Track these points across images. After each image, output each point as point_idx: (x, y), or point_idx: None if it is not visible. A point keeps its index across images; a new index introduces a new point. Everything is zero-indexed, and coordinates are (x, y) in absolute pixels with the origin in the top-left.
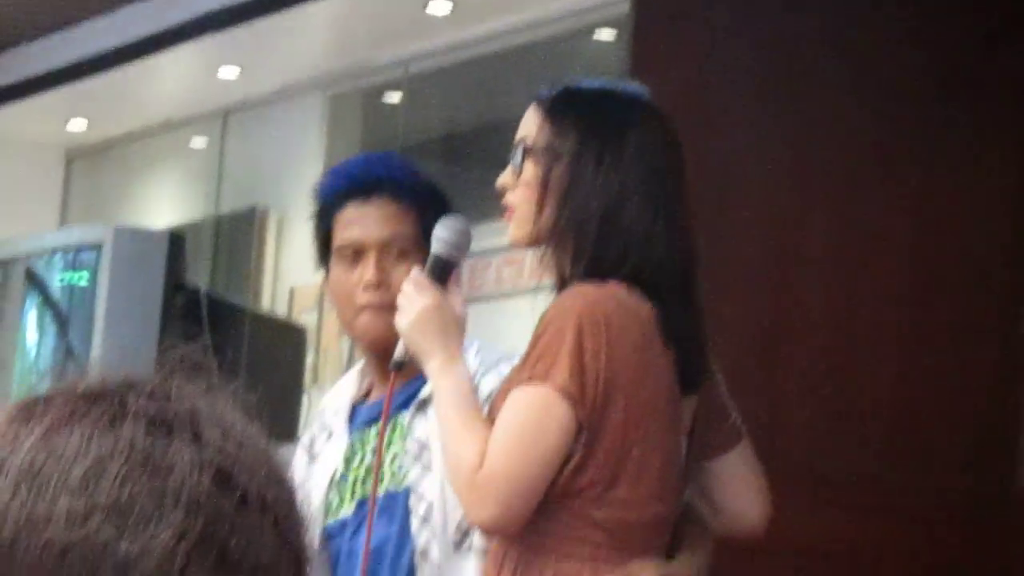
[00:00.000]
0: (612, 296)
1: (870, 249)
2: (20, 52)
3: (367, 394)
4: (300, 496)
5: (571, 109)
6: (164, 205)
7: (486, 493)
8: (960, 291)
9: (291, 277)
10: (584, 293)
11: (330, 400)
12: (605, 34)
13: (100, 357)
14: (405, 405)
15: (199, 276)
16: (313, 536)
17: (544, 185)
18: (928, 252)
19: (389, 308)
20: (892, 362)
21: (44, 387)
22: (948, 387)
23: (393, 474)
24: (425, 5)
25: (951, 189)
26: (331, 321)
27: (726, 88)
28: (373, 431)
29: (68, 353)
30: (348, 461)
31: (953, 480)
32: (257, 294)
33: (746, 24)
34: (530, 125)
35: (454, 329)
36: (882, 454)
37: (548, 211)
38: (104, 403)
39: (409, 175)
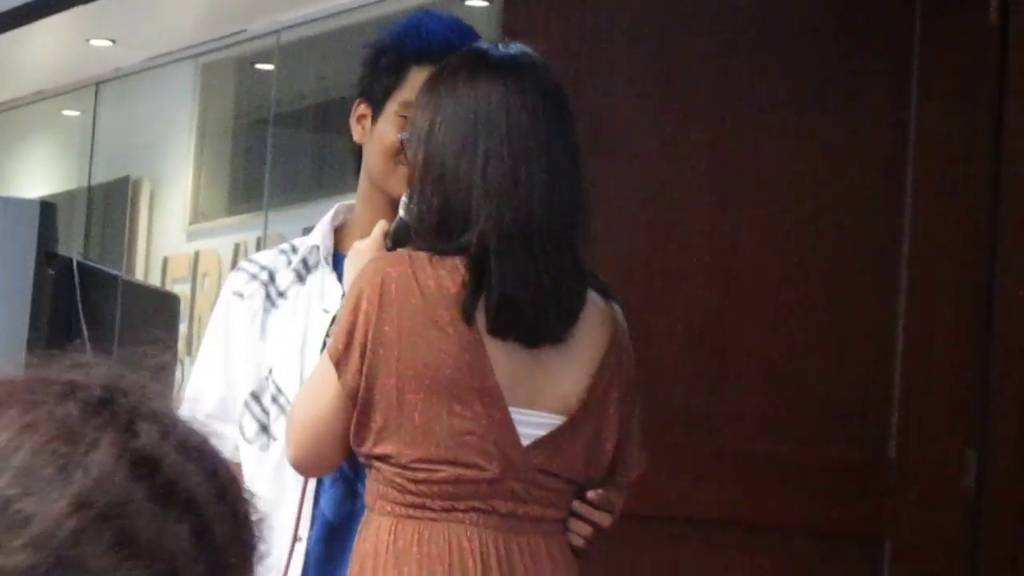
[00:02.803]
0: (401, 262)
1: (749, 194)
2: None
3: (340, 247)
4: (252, 512)
5: (424, 87)
6: (37, 175)
7: (289, 434)
8: (839, 236)
9: (164, 246)
10: (377, 259)
11: (302, 246)
12: (477, 1)
13: None
14: None
15: (72, 246)
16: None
17: (413, 170)
18: (806, 197)
19: None
20: (768, 311)
21: None
22: (826, 341)
23: None
24: None
25: (829, 131)
26: (204, 290)
27: (601, 38)
28: None
29: None
30: None
31: (832, 444)
32: (130, 263)
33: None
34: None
35: None
36: (762, 417)
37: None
38: (55, 386)
39: None
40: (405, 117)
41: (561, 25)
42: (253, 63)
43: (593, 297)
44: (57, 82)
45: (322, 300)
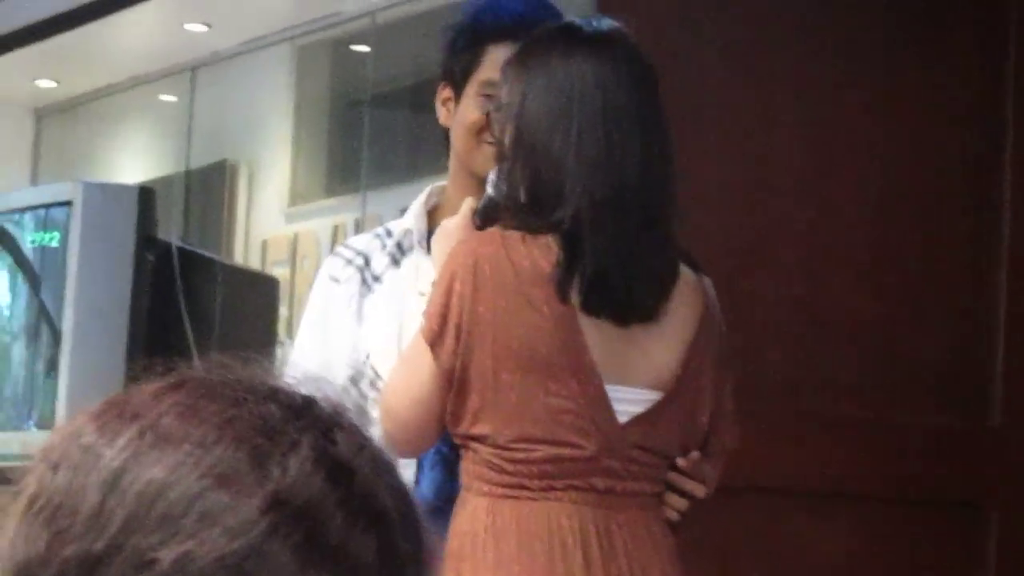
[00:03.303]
0: (494, 241)
1: (841, 159)
2: None
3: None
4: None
5: (513, 61)
6: (135, 161)
7: (384, 416)
8: (936, 197)
9: (262, 229)
10: (468, 239)
11: (395, 229)
12: None
13: (72, 314)
14: None
15: (171, 231)
16: None
17: (504, 145)
18: (900, 158)
19: None
20: (867, 277)
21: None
22: (924, 306)
23: None
24: None
25: (922, 92)
26: (304, 272)
27: (692, 12)
28: None
29: (41, 312)
30: None
31: (928, 412)
32: (229, 247)
33: None
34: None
35: None
36: (859, 384)
37: (506, 172)
38: (257, 388)
39: None
40: (487, 96)
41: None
42: (349, 44)
43: (684, 271)
44: (153, 67)
45: (417, 283)
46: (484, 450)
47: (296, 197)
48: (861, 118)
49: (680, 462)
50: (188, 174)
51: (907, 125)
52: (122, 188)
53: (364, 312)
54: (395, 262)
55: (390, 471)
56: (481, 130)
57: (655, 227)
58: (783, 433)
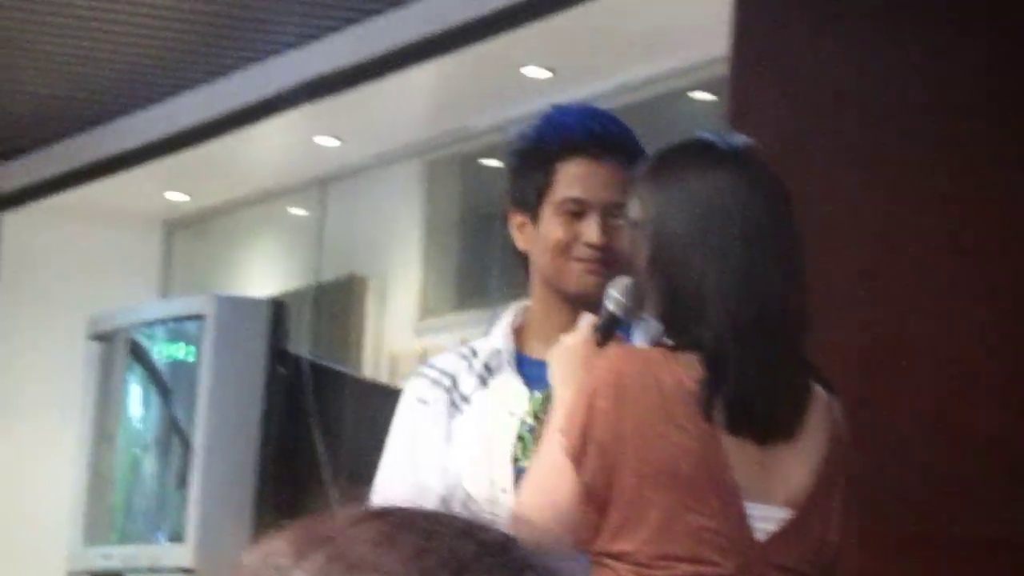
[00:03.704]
0: (638, 359)
1: (969, 272)
2: (118, 125)
3: (521, 349)
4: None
5: (650, 177)
6: (264, 274)
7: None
8: None
9: (392, 343)
10: (612, 354)
11: (480, 349)
12: (702, 95)
13: (204, 426)
14: None
15: (300, 344)
16: None
17: (640, 261)
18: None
19: (606, 267)
20: (997, 391)
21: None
22: None
23: None
24: (522, 68)
25: None
26: None
27: (824, 127)
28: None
29: (172, 424)
30: (537, 414)
31: None
32: (358, 360)
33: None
34: (630, 203)
35: (582, 375)
36: (987, 501)
37: (643, 287)
38: (457, 521)
39: (638, 143)
40: (570, 213)
41: (785, 115)
42: (478, 159)
43: (816, 390)
44: (283, 181)
45: (507, 404)
46: (623, 568)
47: (426, 311)
48: (993, 224)
49: None
50: (318, 288)
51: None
52: (254, 302)
53: (453, 433)
54: (483, 382)
55: None
56: (566, 248)
57: (792, 346)
58: (911, 554)
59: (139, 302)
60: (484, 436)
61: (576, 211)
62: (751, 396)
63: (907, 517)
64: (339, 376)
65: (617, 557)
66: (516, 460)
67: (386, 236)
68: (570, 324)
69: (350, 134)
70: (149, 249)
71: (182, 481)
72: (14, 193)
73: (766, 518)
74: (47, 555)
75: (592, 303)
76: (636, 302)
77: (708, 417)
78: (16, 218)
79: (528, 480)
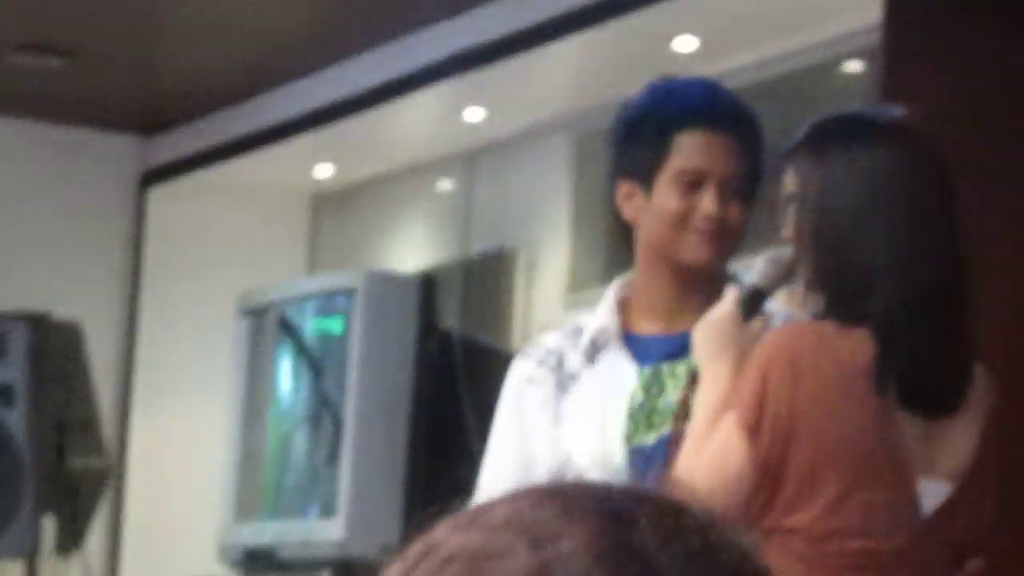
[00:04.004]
0: (811, 333)
1: None
2: (265, 99)
3: (626, 324)
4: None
5: (807, 147)
6: (411, 249)
7: None
8: None
9: (541, 316)
10: (784, 329)
11: (586, 326)
12: (853, 66)
13: (355, 402)
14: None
15: (449, 319)
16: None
17: (800, 235)
18: None
19: (720, 239)
20: None
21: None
22: None
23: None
24: (671, 41)
25: None
26: None
27: (981, 100)
28: (681, 366)
29: (323, 400)
30: (647, 390)
31: None
32: (507, 335)
33: (1002, 51)
34: (786, 178)
35: (736, 349)
36: None
37: (802, 261)
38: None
39: (753, 116)
40: (687, 183)
41: (941, 87)
42: None
43: (976, 365)
44: (430, 155)
45: (616, 381)
46: (795, 542)
47: (575, 284)
48: None
49: (971, 565)
50: (466, 262)
51: None
52: (404, 277)
53: (562, 412)
54: (590, 360)
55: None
56: (682, 219)
57: (957, 320)
58: None
59: (287, 277)
60: (596, 414)
61: (693, 182)
62: (922, 370)
63: None
64: (489, 351)
65: (789, 532)
66: (628, 438)
67: (534, 210)
68: (677, 298)
69: (498, 107)
70: (296, 224)
71: (333, 457)
72: (160, 168)
73: (933, 492)
74: (198, 532)
75: (703, 276)
76: (783, 275)
77: (882, 391)
78: (162, 193)
79: (696, 457)
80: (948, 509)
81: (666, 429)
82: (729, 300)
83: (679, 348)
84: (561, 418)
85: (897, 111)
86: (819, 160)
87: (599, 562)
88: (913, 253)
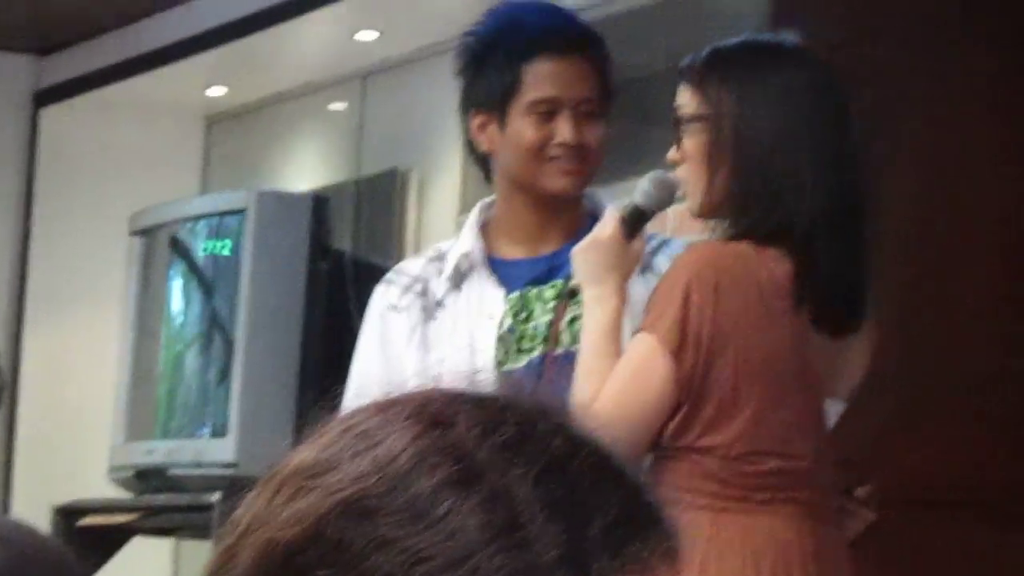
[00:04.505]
0: (730, 253)
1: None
2: (159, 19)
3: (490, 249)
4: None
5: (713, 71)
6: (304, 169)
7: None
8: None
9: (433, 237)
10: (701, 249)
11: (449, 252)
12: None
13: (246, 322)
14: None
15: (342, 240)
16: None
17: (702, 156)
18: None
19: (579, 164)
20: None
21: (191, 355)
22: None
23: (573, 335)
24: None
25: None
26: None
27: (872, 37)
28: (548, 290)
29: (214, 320)
30: (515, 314)
31: None
32: (399, 256)
33: None
34: (681, 97)
35: (619, 270)
36: None
37: (707, 182)
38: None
39: (597, 33)
40: (541, 113)
41: (829, 15)
42: None
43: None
44: (323, 76)
45: (482, 306)
46: (709, 462)
47: (467, 205)
48: None
49: (860, 492)
50: (358, 182)
51: None
52: (296, 197)
53: (429, 339)
54: (456, 286)
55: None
56: (540, 149)
57: (864, 240)
58: (965, 436)
59: (180, 197)
60: (463, 339)
61: (547, 111)
62: (835, 290)
63: (978, 400)
64: (380, 270)
65: (705, 451)
66: (498, 363)
67: (427, 131)
68: (540, 223)
69: (391, 28)
70: (190, 143)
71: (224, 376)
72: (53, 88)
73: (832, 413)
74: (89, 450)
75: (565, 201)
76: (665, 195)
77: (799, 311)
78: (55, 113)
79: (613, 377)
80: (842, 427)
81: (536, 353)
82: (610, 221)
83: (544, 272)
84: (428, 345)
85: (792, 37)
86: (729, 84)
87: (416, 461)
88: (828, 174)
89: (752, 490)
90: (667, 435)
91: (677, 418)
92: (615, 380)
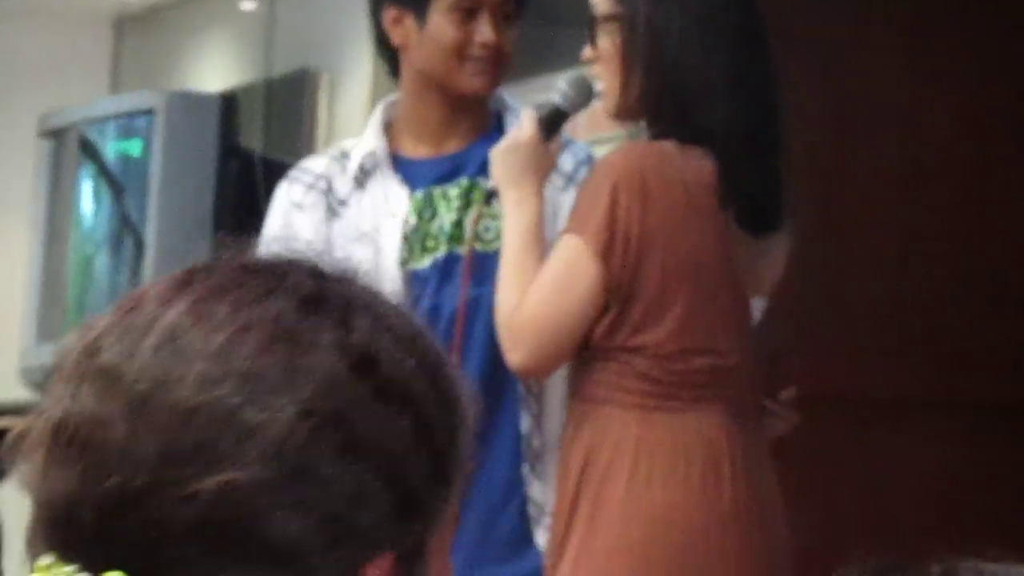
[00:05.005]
0: (656, 153)
1: (943, 82)
2: None
3: (394, 148)
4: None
5: None
6: (214, 70)
7: (517, 336)
8: None
9: (344, 138)
10: (627, 150)
11: (352, 150)
12: None
13: (156, 223)
14: (481, 170)
15: (252, 140)
16: (469, 440)
17: (616, 56)
18: (1006, 82)
19: (496, 66)
20: (964, 193)
21: (101, 257)
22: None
23: (478, 235)
24: None
25: None
26: None
27: None
28: (453, 189)
29: (124, 221)
30: (420, 213)
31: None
32: (309, 155)
33: None
34: None
35: (538, 172)
36: (954, 297)
37: (622, 82)
38: (263, 276)
39: None
40: (462, 11)
41: None
42: None
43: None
44: None
45: (387, 204)
46: (639, 362)
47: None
48: (965, 43)
49: (784, 395)
50: (269, 82)
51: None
52: (204, 97)
53: (333, 238)
54: (359, 185)
55: (416, 343)
56: (460, 48)
57: (781, 142)
58: (876, 343)
59: (91, 100)
60: (367, 238)
61: (469, 9)
62: (758, 187)
63: (873, 312)
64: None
65: (635, 351)
66: (403, 263)
67: (338, 30)
68: (447, 121)
69: None
70: (99, 46)
71: (135, 277)
72: None
73: (756, 309)
74: (1, 353)
75: (475, 101)
76: (583, 95)
77: (724, 209)
78: None
79: (539, 280)
80: (762, 325)
81: (441, 252)
82: (528, 122)
83: (450, 170)
84: (333, 244)
85: None
86: None
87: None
88: (747, 72)
89: (681, 388)
90: (596, 336)
91: (606, 320)
92: (542, 283)
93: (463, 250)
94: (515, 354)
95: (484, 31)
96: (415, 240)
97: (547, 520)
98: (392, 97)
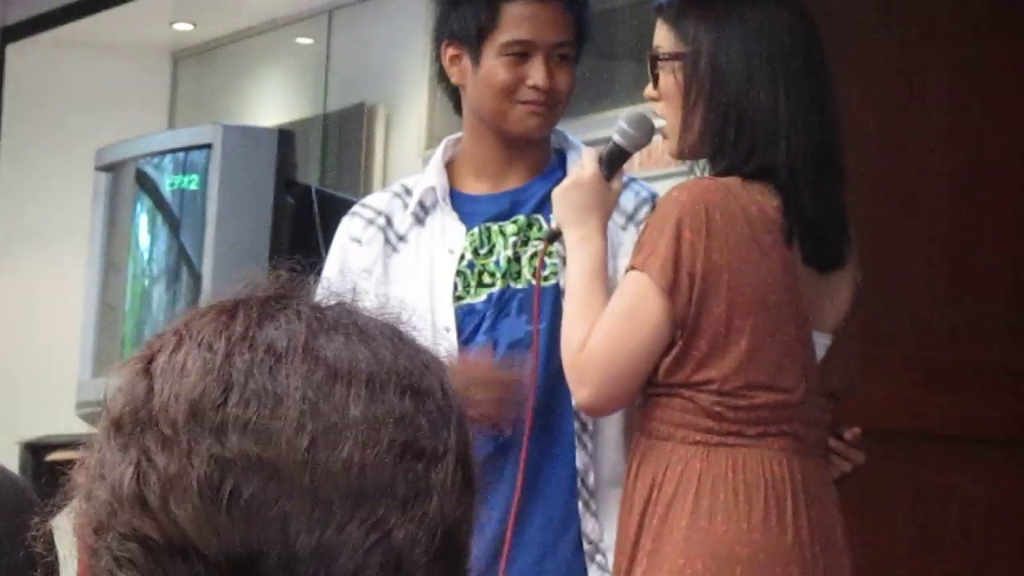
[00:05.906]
0: (720, 189)
1: (989, 101)
2: None
3: (454, 184)
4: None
5: (690, 8)
6: (271, 105)
7: (583, 374)
8: None
9: (399, 172)
10: (691, 186)
11: (414, 187)
12: None
13: (212, 257)
14: (539, 207)
15: (309, 174)
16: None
17: (678, 95)
18: None
19: (548, 108)
20: (1015, 219)
21: (158, 290)
22: None
23: (534, 270)
24: None
25: None
26: None
27: None
28: (510, 225)
29: (181, 255)
30: (475, 249)
31: None
32: (366, 190)
33: None
34: (658, 34)
35: (601, 210)
36: (1006, 328)
37: (685, 120)
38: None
39: None
40: (514, 55)
41: None
42: None
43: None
44: (290, 10)
45: (444, 241)
46: (703, 397)
47: (433, 139)
48: (1013, 62)
49: (848, 435)
50: (325, 117)
51: None
52: (262, 131)
53: (391, 272)
54: (419, 220)
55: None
56: (511, 90)
57: (843, 176)
58: (928, 378)
59: (147, 134)
60: (423, 274)
61: (521, 52)
62: (822, 223)
63: (924, 342)
64: (347, 204)
65: (699, 386)
66: (459, 298)
67: (393, 65)
68: (505, 160)
69: None
70: (156, 80)
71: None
72: (19, 25)
73: (820, 345)
74: (57, 387)
75: (531, 141)
76: (644, 134)
77: (789, 244)
78: (21, 50)
79: (605, 318)
80: (827, 361)
81: (497, 287)
82: (589, 161)
83: (507, 207)
84: (390, 278)
85: None
86: (706, 22)
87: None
88: (809, 109)
89: (745, 424)
90: (660, 372)
91: (671, 355)
92: (608, 319)
93: (520, 285)
94: (583, 391)
95: (536, 74)
96: (471, 275)
97: (600, 557)
98: (455, 135)
